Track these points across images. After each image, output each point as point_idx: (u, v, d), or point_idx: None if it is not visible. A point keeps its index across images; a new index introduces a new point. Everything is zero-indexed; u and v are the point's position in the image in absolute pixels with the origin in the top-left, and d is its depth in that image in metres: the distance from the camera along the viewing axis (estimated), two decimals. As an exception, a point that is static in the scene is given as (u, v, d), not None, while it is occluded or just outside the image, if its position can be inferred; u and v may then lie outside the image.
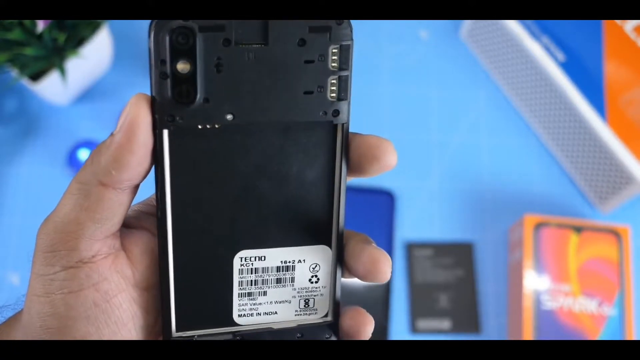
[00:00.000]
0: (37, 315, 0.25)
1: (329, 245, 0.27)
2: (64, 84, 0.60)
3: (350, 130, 0.26)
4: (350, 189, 0.64)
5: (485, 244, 0.63)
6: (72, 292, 0.25)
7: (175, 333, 0.26)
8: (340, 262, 0.27)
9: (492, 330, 0.61)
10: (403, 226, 0.64)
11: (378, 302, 0.60)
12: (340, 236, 0.26)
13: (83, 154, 0.61)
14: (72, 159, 0.62)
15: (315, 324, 0.27)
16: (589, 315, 0.57)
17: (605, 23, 0.62)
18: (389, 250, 0.62)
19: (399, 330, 0.61)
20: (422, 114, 0.68)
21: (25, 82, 0.60)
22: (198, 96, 0.23)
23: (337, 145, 0.25)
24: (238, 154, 0.25)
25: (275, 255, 0.26)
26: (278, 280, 0.27)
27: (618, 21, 0.62)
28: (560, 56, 0.62)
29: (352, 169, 0.26)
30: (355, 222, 0.63)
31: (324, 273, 0.27)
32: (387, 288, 0.61)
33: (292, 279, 0.27)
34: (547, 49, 0.62)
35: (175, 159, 0.24)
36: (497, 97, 0.69)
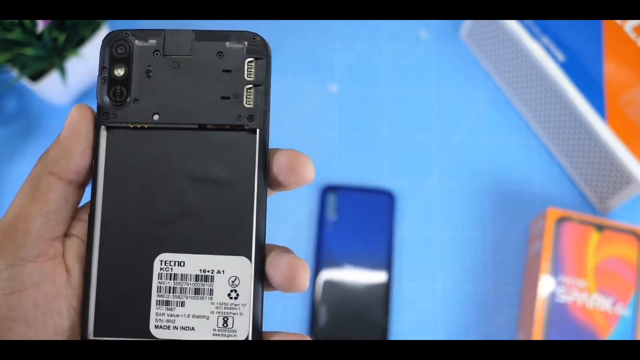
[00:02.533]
0: None
1: (249, 257, 0.27)
2: (64, 84, 0.60)
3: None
4: (350, 189, 0.64)
5: (485, 244, 0.63)
6: (14, 292, 0.25)
7: (91, 337, 0.26)
8: (261, 278, 0.27)
9: (502, 322, 0.61)
10: (403, 226, 0.64)
11: (378, 302, 0.60)
12: (260, 248, 0.27)
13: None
14: (72, 159, 0.62)
15: None
16: (602, 313, 0.57)
17: (605, 23, 0.62)
18: (389, 251, 0.62)
19: (399, 330, 0.61)
20: (422, 114, 0.68)
21: (25, 82, 0.60)
22: (129, 97, 0.27)
23: (255, 151, 0.27)
24: (164, 156, 0.27)
25: (194, 262, 0.27)
26: (197, 291, 0.27)
27: (618, 21, 0.63)
28: (560, 56, 0.62)
29: (273, 182, 0.27)
30: (355, 222, 0.63)
31: (243, 288, 0.27)
32: (387, 288, 0.61)
33: (211, 291, 0.27)
34: (547, 49, 0.62)
35: (109, 158, 0.27)
36: (497, 97, 0.69)
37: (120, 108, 0.27)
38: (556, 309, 0.57)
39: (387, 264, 0.62)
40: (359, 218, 0.63)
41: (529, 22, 0.63)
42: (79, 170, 0.27)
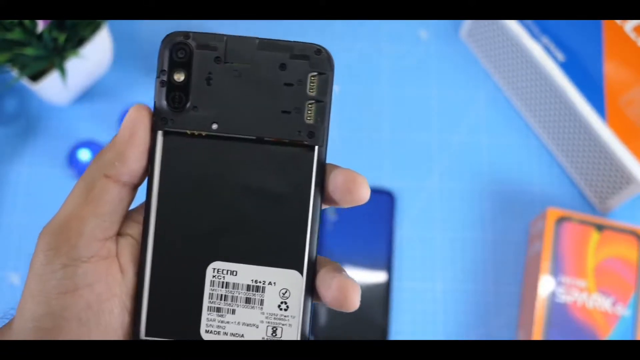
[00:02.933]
0: (31, 316, 0.25)
1: (300, 272, 0.27)
2: (64, 84, 0.60)
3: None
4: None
5: (485, 244, 0.63)
6: (68, 292, 0.25)
7: (143, 337, 0.27)
8: (311, 292, 0.27)
9: (502, 322, 0.61)
10: (403, 226, 0.64)
11: (378, 302, 0.60)
12: (312, 264, 0.27)
13: (83, 154, 0.61)
14: (72, 159, 0.62)
15: None
16: (602, 313, 0.57)
17: (605, 23, 0.62)
18: (389, 251, 0.62)
19: (399, 330, 0.61)
20: (422, 113, 0.68)
21: (25, 82, 0.60)
22: (188, 103, 0.27)
23: (313, 168, 0.27)
24: (221, 165, 0.27)
25: (247, 272, 0.27)
26: (247, 300, 0.27)
27: (618, 21, 0.63)
28: (560, 56, 0.62)
29: (327, 199, 0.27)
30: (355, 222, 0.63)
31: (293, 301, 0.27)
32: (387, 288, 0.61)
33: (262, 302, 0.27)
34: (547, 49, 0.62)
35: (166, 163, 0.27)
36: (497, 97, 0.69)
37: (179, 114, 0.27)
38: (556, 309, 0.57)
39: (387, 264, 0.62)
40: (359, 218, 0.63)
41: (529, 22, 0.63)
42: (134, 173, 0.27)
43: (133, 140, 0.26)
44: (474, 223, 0.64)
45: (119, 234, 0.27)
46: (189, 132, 0.27)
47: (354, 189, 0.27)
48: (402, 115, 0.67)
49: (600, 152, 0.61)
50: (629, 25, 0.62)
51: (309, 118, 0.27)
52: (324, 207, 0.28)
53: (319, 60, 0.27)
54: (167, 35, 0.27)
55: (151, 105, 0.28)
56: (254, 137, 0.27)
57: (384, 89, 0.68)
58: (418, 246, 0.63)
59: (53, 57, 0.59)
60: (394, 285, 0.62)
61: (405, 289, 0.62)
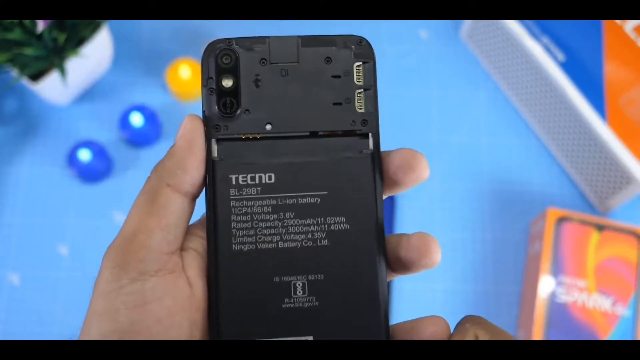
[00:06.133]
0: (98, 333, 0.24)
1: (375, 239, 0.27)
2: (64, 84, 0.60)
3: None
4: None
5: (485, 244, 0.63)
6: (138, 306, 0.24)
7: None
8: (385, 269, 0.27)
9: (502, 322, 0.61)
10: (403, 226, 0.64)
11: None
12: (381, 236, 0.27)
13: (83, 154, 0.61)
14: (72, 159, 0.62)
15: None
16: (602, 313, 0.57)
17: (605, 23, 0.62)
18: (389, 250, 0.62)
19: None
20: (422, 114, 0.68)
21: (25, 82, 0.60)
22: (240, 108, 0.27)
23: (371, 156, 0.27)
24: (279, 167, 0.27)
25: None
26: None
27: (618, 21, 0.63)
28: (560, 56, 0.62)
29: (388, 183, 0.27)
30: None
31: None
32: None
33: None
34: (547, 49, 0.62)
35: (222, 171, 0.27)
36: (497, 97, 0.69)
37: (231, 120, 0.27)
38: (556, 309, 0.57)
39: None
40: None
41: (529, 22, 0.63)
42: (195, 182, 0.26)
43: (192, 148, 0.26)
44: (474, 223, 0.64)
45: (182, 248, 0.27)
46: (243, 136, 0.27)
47: (415, 165, 0.27)
48: (402, 116, 0.67)
49: (600, 152, 0.61)
50: (629, 25, 0.62)
51: (360, 107, 0.27)
52: (385, 195, 0.28)
53: (362, 50, 0.27)
54: (209, 44, 0.27)
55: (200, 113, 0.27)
56: (308, 133, 0.27)
57: (385, 89, 0.68)
58: (418, 246, 0.63)
59: (53, 57, 0.59)
60: (394, 285, 0.62)
61: (405, 289, 0.62)
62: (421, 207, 0.64)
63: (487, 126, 0.67)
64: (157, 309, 0.25)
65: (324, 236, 0.26)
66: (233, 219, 0.26)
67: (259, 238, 0.26)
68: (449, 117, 0.68)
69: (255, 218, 0.26)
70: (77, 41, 0.60)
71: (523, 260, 0.63)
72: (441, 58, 0.70)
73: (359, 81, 0.27)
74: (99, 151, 0.62)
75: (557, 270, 0.58)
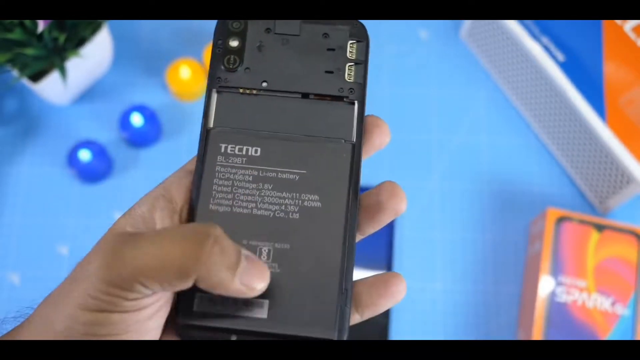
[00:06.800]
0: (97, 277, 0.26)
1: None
2: (64, 84, 0.60)
3: None
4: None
5: (485, 244, 0.63)
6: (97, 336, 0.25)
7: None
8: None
9: (502, 322, 0.61)
10: (403, 226, 0.64)
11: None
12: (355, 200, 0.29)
13: (83, 154, 0.61)
14: (72, 159, 0.62)
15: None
16: (602, 313, 0.57)
17: (605, 23, 0.62)
18: (390, 251, 0.62)
19: (399, 330, 0.61)
20: (422, 114, 0.68)
21: (25, 82, 0.60)
22: (242, 65, 0.30)
23: (354, 121, 0.30)
24: (269, 120, 0.29)
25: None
26: None
27: (618, 21, 0.63)
28: (560, 56, 0.62)
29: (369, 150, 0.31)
30: (355, 222, 0.63)
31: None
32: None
33: None
34: (547, 49, 0.62)
35: (219, 117, 0.29)
36: (497, 97, 0.69)
37: (232, 74, 0.30)
38: (556, 309, 0.57)
39: (387, 264, 0.62)
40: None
41: (529, 22, 0.63)
42: None
43: None
44: (474, 223, 0.64)
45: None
46: (241, 90, 0.29)
47: (382, 126, 0.31)
48: (402, 115, 0.67)
49: (600, 152, 0.61)
50: (629, 25, 0.62)
51: (349, 77, 0.30)
52: (365, 157, 0.31)
53: (357, 31, 0.30)
54: (220, 21, 0.31)
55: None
56: (300, 94, 0.30)
57: (384, 89, 0.68)
58: (418, 246, 0.63)
59: (53, 57, 0.59)
60: (394, 285, 0.62)
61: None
62: (421, 207, 0.65)
63: (487, 126, 0.68)
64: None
65: (296, 210, 0.28)
66: (215, 182, 0.28)
67: (236, 202, 0.28)
68: (449, 117, 0.68)
69: (235, 185, 0.28)
70: (77, 41, 0.60)
71: (523, 260, 0.63)
72: (441, 58, 0.70)
73: (352, 56, 0.30)
74: (99, 151, 0.62)
75: (557, 270, 0.58)
